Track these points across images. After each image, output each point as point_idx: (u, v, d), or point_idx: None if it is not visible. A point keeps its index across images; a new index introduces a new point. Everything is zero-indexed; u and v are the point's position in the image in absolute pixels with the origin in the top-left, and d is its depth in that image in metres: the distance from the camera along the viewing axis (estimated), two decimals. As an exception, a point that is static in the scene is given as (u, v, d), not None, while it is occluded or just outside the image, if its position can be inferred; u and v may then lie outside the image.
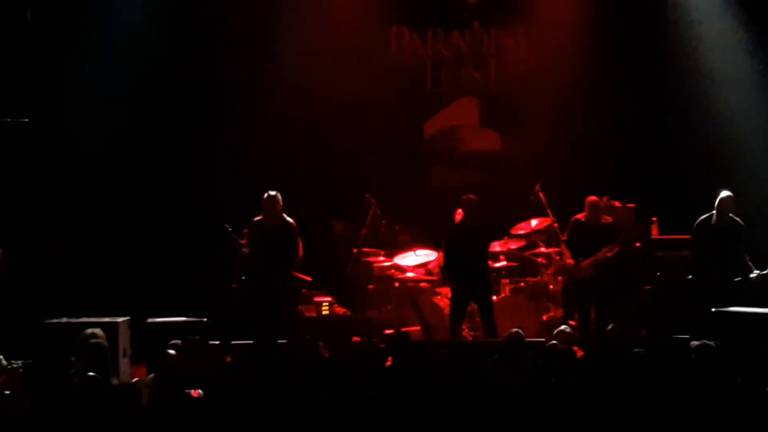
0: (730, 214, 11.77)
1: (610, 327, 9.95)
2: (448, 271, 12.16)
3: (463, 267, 11.87)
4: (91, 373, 7.80)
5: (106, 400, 7.84)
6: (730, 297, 11.17)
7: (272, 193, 11.69)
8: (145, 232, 13.75)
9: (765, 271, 11.68)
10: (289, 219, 11.80)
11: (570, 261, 12.45)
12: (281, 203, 11.70)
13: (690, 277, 12.21)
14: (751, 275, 11.68)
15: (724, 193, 11.79)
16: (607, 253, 12.13)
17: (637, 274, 12.83)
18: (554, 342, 9.09)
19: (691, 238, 12.08)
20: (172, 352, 8.94)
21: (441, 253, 12.60)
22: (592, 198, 12.31)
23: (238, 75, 14.38)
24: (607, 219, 12.46)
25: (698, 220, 11.92)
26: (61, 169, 13.51)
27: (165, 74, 14.08)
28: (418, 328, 12.96)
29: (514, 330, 9.17)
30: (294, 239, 11.80)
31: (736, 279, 11.60)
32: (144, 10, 13.88)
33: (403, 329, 12.60)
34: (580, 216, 12.33)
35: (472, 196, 11.99)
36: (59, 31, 13.54)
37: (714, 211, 11.79)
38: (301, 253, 11.85)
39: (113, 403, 7.93)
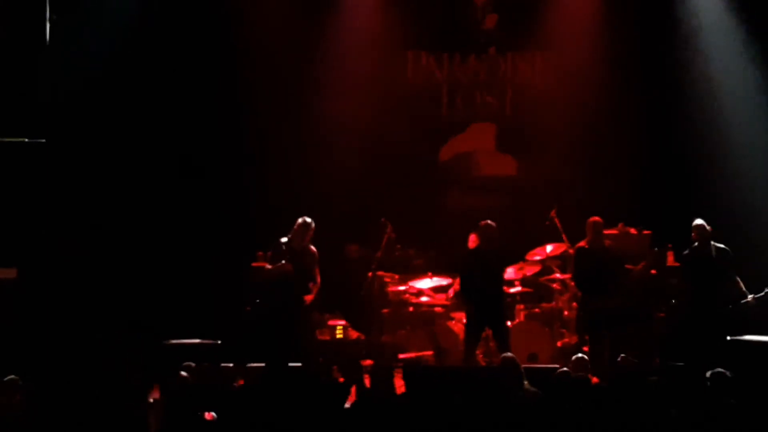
0: (712, 242, 11.70)
1: (623, 355, 9.92)
2: (464, 296, 12.11)
3: (478, 292, 11.83)
4: None
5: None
6: (727, 324, 11.13)
7: (308, 220, 11.90)
8: (160, 253, 13.76)
9: (759, 294, 11.59)
10: (312, 247, 11.97)
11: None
12: (312, 231, 11.91)
13: (674, 301, 12.19)
14: (746, 300, 11.59)
15: (697, 221, 11.77)
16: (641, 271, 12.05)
17: (651, 302, 12.76)
18: (565, 369, 9.05)
19: (682, 268, 12.04)
20: (184, 374, 8.95)
21: (457, 278, 12.59)
22: (595, 219, 12.06)
23: (253, 98, 14.40)
24: (607, 242, 12.36)
25: (684, 253, 11.86)
26: (79, 186, 13.55)
27: (186, 98, 14.13)
28: (431, 352, 12.93)
29: (508, 355, 9.19)
30: (314, 267, 11.97)
31: (731, 305, 11.51)
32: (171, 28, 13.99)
33: (416, 354, 12.61)
34: (583, 243, 12.15)
35: (489, 222, 11.93)
36: (80, 50, 13.60)
37: (695, 242, 11.73)
38: (319, 281, 11.99)
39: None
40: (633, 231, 13.34)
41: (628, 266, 12.40)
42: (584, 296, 12.09)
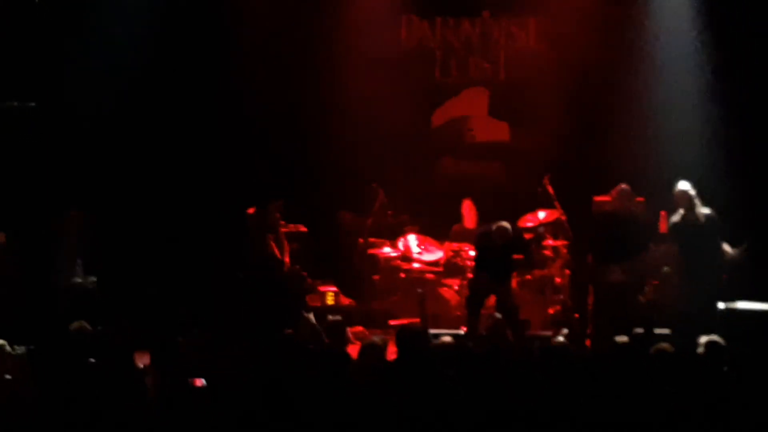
0: (697, 207, 11.22)
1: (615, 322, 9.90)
2: (476, 264, 12.06)
3: (489, 262, 11.77)
4: None
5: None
6: (719, 291, 11.02)
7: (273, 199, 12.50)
8: (154, 223, 13.71)
9: (740, 248, 11.40)
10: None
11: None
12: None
13: (666, 269, 12.04)
14: (728, 257, 11.32)
15: (678, 187, 11.27)
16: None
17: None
18: (560, 339, 9.03)
19: (670, 237, 11.66)
20: (175, 340, 8.92)
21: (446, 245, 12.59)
22: (623, 185, 11.63)
23: (244, 63, 14.30)
24: (639, 210, 12.08)
25: (671, 221, 11.40)
26: (69, 154, 13.49)
27: (175, 62, 14.03)
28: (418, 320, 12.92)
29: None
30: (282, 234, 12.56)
31: (721, 273, 11.34)
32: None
33: (408, 320, 12.59)
34: (608, 208, 11.82)
35: (503, 223, 11.72)
36: (76, 16, 13.46)
37: (680, 209, 11.30)
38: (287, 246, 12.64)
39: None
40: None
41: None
42: (596, 264, 11.76)
